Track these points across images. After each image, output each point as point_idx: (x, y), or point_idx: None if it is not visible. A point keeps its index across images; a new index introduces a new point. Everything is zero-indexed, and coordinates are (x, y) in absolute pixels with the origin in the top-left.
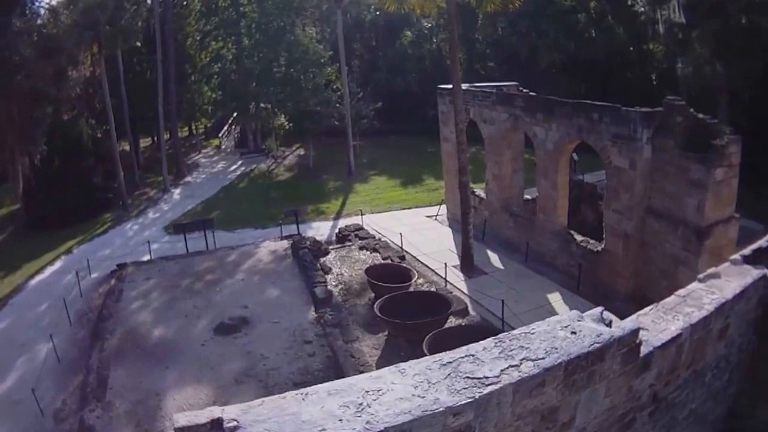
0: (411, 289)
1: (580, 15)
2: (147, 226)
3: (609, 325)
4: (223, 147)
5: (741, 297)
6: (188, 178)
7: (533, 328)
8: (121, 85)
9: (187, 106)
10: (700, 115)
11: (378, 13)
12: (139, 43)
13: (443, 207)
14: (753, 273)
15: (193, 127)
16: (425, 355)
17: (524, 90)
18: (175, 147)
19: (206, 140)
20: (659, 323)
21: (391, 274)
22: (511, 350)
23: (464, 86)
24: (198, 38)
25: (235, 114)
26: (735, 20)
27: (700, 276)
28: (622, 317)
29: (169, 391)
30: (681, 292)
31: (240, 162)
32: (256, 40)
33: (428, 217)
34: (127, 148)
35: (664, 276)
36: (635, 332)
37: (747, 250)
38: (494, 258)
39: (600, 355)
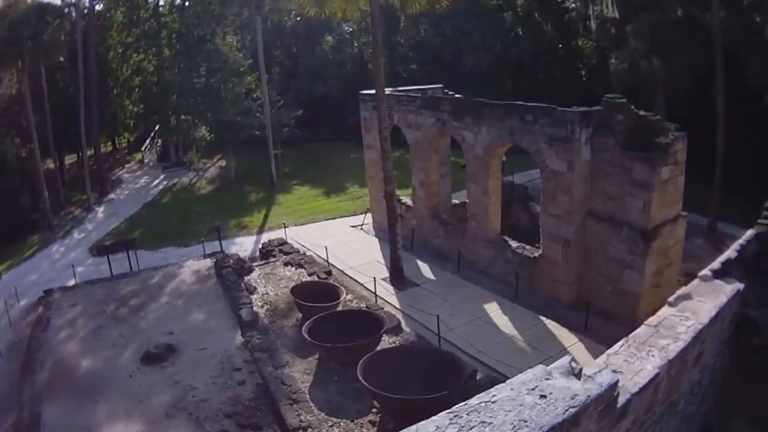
0: (340, 307)
1: (507, 14)
2: (72, 248)
3: (579, 375)
4: (145, 161)
5: (716, 319)
6: (112, 195)
7: (494, 395)
8: (45, 102)
9: (109, 121)
10: (642, 112)
11: (299, 18)
12: (62, 58)
13: (368, 216)
14: (726, 290)
15: (117, 142)
16: (360, 380)
17: (450, 92)
18: (99, 163)
19: (129, 155)
20: (633, 362)
21: (318, 292)
22: (471, 428)
23: (387, 91)
24: (120, 51)
25: (157, 127)
26: (672, 13)
27: (671, 299)
28: (565, 325)
29: (102, 428)
30: (652, 320)
31: (162, 176)
32: (177, 51)
33: (353, 227)
34: (53, 166)
35: (609, 281)
36: (613, 386)
37: (716, 263)
38: (425, 268)
39: (576, 420)
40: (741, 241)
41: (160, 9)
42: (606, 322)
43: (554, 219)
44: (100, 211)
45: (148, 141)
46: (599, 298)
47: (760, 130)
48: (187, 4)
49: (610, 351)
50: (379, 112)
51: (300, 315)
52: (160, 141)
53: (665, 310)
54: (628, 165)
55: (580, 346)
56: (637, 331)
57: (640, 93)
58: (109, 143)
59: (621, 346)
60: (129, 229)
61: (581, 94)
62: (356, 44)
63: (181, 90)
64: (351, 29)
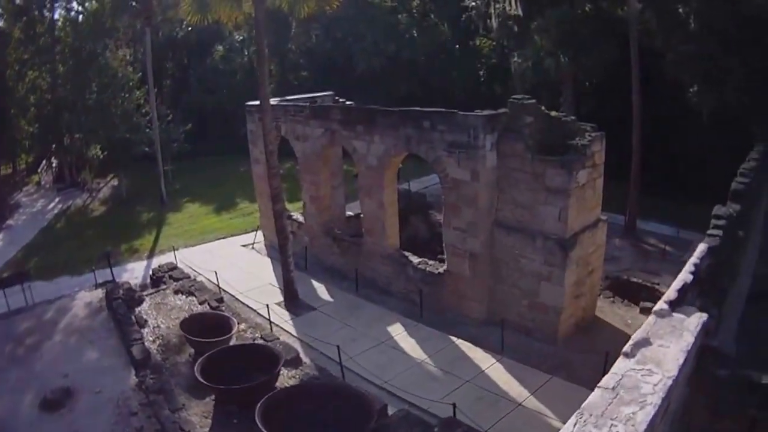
0: (233, 340)
1: (401, 15)
2: None
3: None
4: (42, 183)
5: (685, 365)
6: (10, 221)
7: None
8: None
9: (9, 143)
10: (554, 113)
11: (190, 29)
12: None
13: (260, 234)
14: (691, 326)
15: (17, 164)
16: (259, 425)
17: (341, 100)
18: None
19: (28, 176)
20: None
21: (209, 325)
22: None
23: (275, 100)
24: (16, 68)
25: (53, 146)
26: (580, 8)
27: (626, 349)
28: (479, 344)
29: None
30: (608, 381)
31: (57, 199)
32: (69, 66)
33: (245, 246)
34: None
35: (525, 294)
36: None
37: (671, 293)
38: (321, 289)
39: None
40: (694, 259)
41: (56, 23)
42: (524, 339)
43: (458, 232)
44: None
45: (44, 162)
46: (515, 313)
47: (676, 126)
48: (80, 18)
49: None
50: (264, 125)
51: (192, 350)
52: (55, 161)
53: (622, 364)
54: (540, 171)
55: (497, 367)
56: (591, 398)
57: (544, 92)
58: (9, 166)
59: (575, 425)
60: (25, 258)
61: (480, 95)
62: (246, 53)
63: (73, 107)
64: (241, 37)
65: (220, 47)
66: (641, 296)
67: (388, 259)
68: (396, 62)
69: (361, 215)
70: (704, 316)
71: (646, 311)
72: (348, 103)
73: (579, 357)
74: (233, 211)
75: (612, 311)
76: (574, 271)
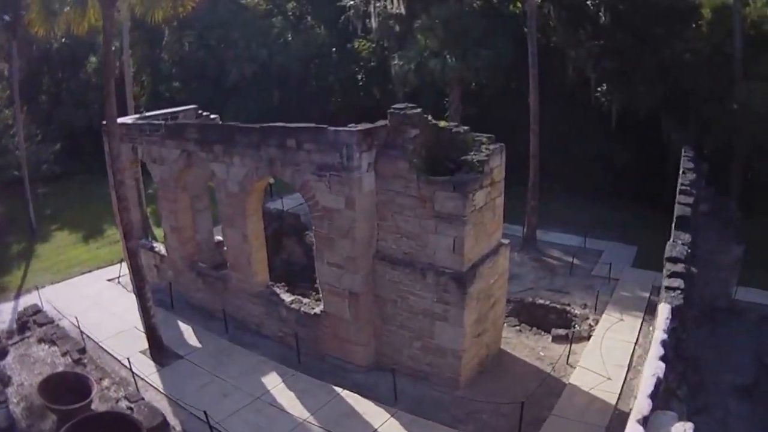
0: (95, 403)
1: (276, 19)
2: None
3: None
4: None
5: None
6: None
7: None
8: None
9: None
10: (443, 123)
11: (64, 40)
12: None
13: (125, 266)
14: None
15: None
16: None
17: (205, 113)
18: None
19: None
20: None
21: (69, 386)
22: None
23: (130, 119)
24: None
25: None
26: (469, 4)
27: None
28: (368, 395)
29: None
30: None
31: None
32: None
33: (110, 280)
34: None
35: (417, 336)
36: None
37: (643, 404)
38: (188, 332)
39: None
40: (660, 336)
41: None
42: (421, 386)
43: (334, 269)
44: None
45: None
46: (407, 357)
47: (578, 129)
48: None
49: None
50: (111, 149)
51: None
52: None
53: None
54: (429, 194)
55: (393, 424)
56: None
57: (427, 96)
58: None
59: None
60: None
61: (358, 100)
62: (118, 63)
63: None
64: (114, 47)
65: (94, 59)
66: (551, 320)
67: (257, 297)
68: (269, 69)
69: (225, 248)
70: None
71: (560, 340)
72: (213, 116)
73: (488, 405)
74: (100, 240)
75: (520, 342)
76: (474, 308)
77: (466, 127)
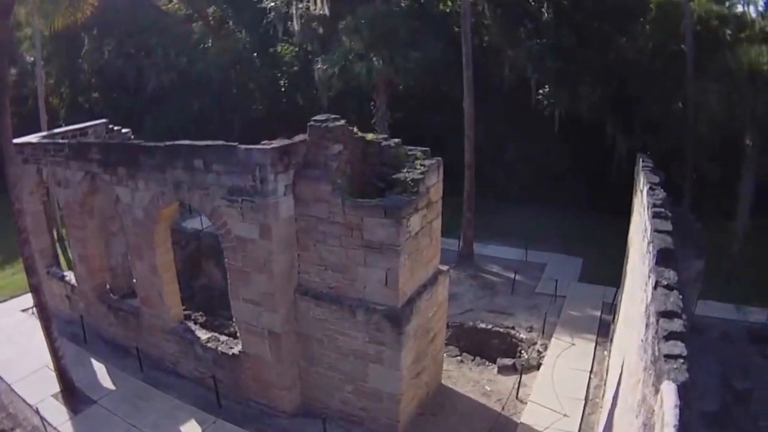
0: None
1: (196, 24)
2: None
3: None
4: None
5: None
6: None
7: None
8: None
9: None
10: (370, 136)
11: None
12: None
13: None
14: None
15: None
16: None
17: (117, 128)
18: None
19: None
20: None
21: None
22: None
23: (36, 137)
24: None
25: None
26: (397, 4)
27: None
28: None
29: None
30: None
31: None
32: None
33: (25, 311)
34: None
35: (349, 379)
36: None
37: None
38: (102, 371)
39: None
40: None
41: None
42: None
43: (251, 306)
44: None
45: None
46: (339, 401)
47: (517, 134)
48: None
49: None
50: (7, 175)
51: None
52: None
53: None
54: (356, 221)
55: None
56: None
57: (352, 101)
58: None
59: None
60: None
61: (281, 107)
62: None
63: None
64: (32, 59)
65: (14, 70)
66: (494, 346)
67: (170, 334)
68: (189, 76)
69: (134, 280)
70: None
71: (507, 371)
72: (125, 131)
73: None
74: (17, 265)
75: (462, 375)
76: (411, 347)
77: (397, 140)
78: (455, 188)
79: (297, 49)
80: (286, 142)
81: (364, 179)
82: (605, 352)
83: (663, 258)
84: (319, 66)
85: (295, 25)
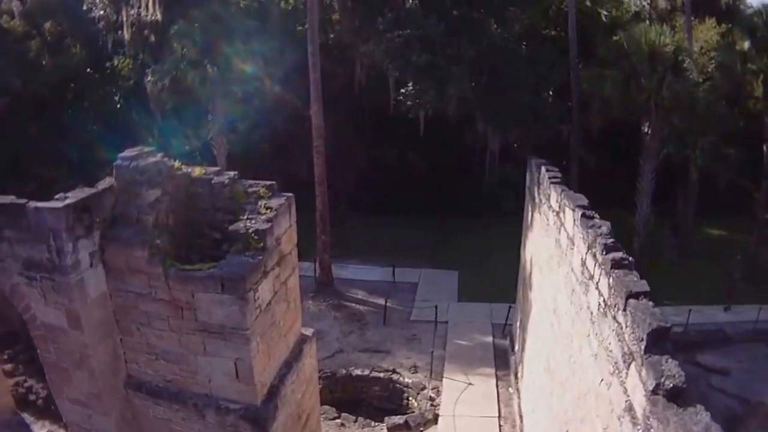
0: None
1: (34, 41)
2: None
3: None
4: None
5: None
6: None
7: None
8: None
9: None
10: (198, 170)
11: None
12: None
13: None
14: None
15: None
16: None
17: None
18: None
19: None
20: None
21: None
22: None
23: None
24: None
25: None
26: (233, 5)
27: None
28: None
29: None
30: None
31: None
32: None
33: None
34: None
35: None
36: None
37: None
38: None
39: None
40: None
41: None
42: None
43: (79, 407)
44: None
45: None
46: None
47: (364, 138)
48: None
49: None
50: None
51: None
52: None
53: None
54: (185, 297)
55: None
56: None
57: (190, 116)
58: None
59: None
60: None
61: (117, 128)
62: None
63: None
64: None
65: None
66: (376, 395)
67: (4, 427)
68: (23, 99)
69: None
70: None
71: (399, 430)
72: None
73: None
74: None
75: None
76: None
77: (233, 173)
78: (307, 204)
79: (131, 61)
80: (88, 192)
81: (192, 230)
82: (510, 390)
83: (656, 343)
84: (149, 78)
85: (125, 34)
